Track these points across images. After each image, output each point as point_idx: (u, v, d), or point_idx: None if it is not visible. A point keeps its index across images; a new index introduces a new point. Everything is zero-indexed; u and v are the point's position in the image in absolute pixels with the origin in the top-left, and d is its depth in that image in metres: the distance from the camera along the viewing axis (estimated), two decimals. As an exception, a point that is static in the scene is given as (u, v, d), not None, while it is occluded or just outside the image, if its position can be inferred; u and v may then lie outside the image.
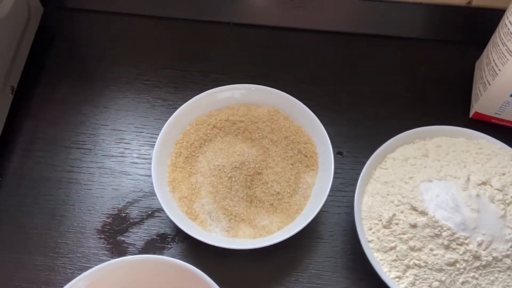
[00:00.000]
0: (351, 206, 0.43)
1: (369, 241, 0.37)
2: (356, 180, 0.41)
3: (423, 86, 0.50)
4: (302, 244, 0.42)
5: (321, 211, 0.44)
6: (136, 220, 0.43)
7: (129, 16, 0.54)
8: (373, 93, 0.50)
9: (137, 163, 0.46)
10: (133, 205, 0.44)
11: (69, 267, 0.41)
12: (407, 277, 0.36)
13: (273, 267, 0.41)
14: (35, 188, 0.44)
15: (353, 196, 0.40)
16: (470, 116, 0.48)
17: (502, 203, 0.36)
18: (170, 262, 0.36)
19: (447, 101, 0.49)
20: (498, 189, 0.36)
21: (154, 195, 0.40)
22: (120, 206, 0.44)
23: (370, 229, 0.38)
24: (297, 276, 0.41)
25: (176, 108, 0.44)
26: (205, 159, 0.43)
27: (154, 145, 0.42)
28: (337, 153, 0.46)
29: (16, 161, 0.46)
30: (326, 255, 0.42)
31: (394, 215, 0.37)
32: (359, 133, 0.47)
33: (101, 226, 0.43)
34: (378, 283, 0.37)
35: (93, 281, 0.36)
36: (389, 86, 0.50)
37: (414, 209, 0.36)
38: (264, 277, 0.41)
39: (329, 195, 0.40)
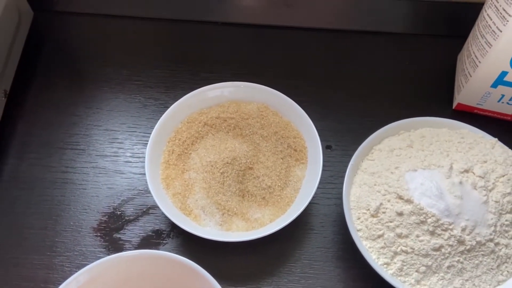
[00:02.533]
0: (340, 198, 0.44)
1: (358, 230, 0.39)
2: (345, 172, 0.42)
3: (408, 80, 0.52)
4: (294, 236, 0.44)
5: (311, 203, 0.45)
6: (131, 217, 0.44)
7: (118, 18, 0.55)
8: (359, 88, 0.51)
9: (130, 162, 0.47)
10: (128, 203, 0.45)
11: (67, 265, 0.42)
12: (395, 263, 0.37)
13: (266, 259, 0.42)
14: (30, 190, 0.45)
15: (342, 188, 0.41)
16: (454, 107, 0.49)
17: (484, 190, 0.37)
18: (166, 257, 0.37)
19: (431, 93, 0.51)
20: (480, 176, 0.38)
21: (149, 192, 0.41)
22: (115, 205, 0.45)
23: (359, 218, 0.39)
24: (290, 267, 0.42)
25: (167, 107, 0.45)
26: (197, 156, 0.44)
27: (147, 144, 0.43)
28: (326, 147, 0.47)
29: (11, 163, 0.46)
30: (317, 245, 0.43)
31: (381, 204, 0.38)
32: (346, 126, 0.49)
33: (97, 224, 0.44)
34: (368, 270, 0.39)
35: (90, 277, 0.37)
36: (375, 80, 0.52)
37: (400, 197, 0.38)
38: (258, 268, 0.42)
39: (319, 187, 0.41)
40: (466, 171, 0.38)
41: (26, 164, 0.46)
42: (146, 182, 0.41)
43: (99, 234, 0.43)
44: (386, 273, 0.37)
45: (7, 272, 0.41)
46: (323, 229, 0.44)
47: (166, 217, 0.43)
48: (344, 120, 0.49)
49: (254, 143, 0.45)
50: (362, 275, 0.41)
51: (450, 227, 0.36)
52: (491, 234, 0.37)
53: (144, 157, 0.42)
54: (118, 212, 0.44)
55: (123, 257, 0.37)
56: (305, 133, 0.44)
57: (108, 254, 0.42)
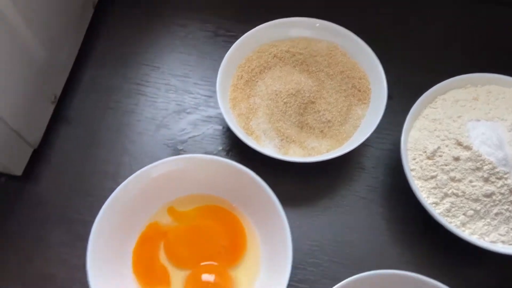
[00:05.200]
0: (395, 144, 0.45)
1: (412, 170, 0.40)
2: (403, 121, 0.43)
3: (484, 36, 0.51)
4: (344, 172, 0.45)
5: (365, 145, 0.47)
6: (195, 133, 0.47)
7: None
8: (432, 39, 0.51)
9: (199, 84, 0.50)
10: (193, 119, 0.48)
11: (135, 164, 0.46)
12: (443, 204, 0.39)
13: (316, 189, 0.45)
14: (107, 95, 0.49)
15: (398, 136, 0.42)
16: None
17: (545, 148, 0.38)
18: (234, 166, 0.40)
19: (504, 51, 0.50)
20: (543, 135, 0.38)
21: (212, 113, 0.44)
22: (182, 119, 0.48)
23: (414, 159, 0.40)
24: (337, 199, 0.44)
25: (237, 39, 0.46)
26: (263, 84, 0.46)
27: (216, 69, 0.45)
28: (388, 96, 0.48)
29: (90, 73, 0.50)
30: (366, 184, 0.45)
31: (439, 147, 0.39)
32: (412, 77, 0.49)
33: (164, 136, 0.47)
34: (412, 212, 0.40)
35: (160, 173, 0.40)
36: (448, 33, 0.51)
37: (459, 143, 0.39)
38: (308, 196, 0.44)
39: (375, 132, 0.42)
40: (530, 128, 0.39)
41: (105, 73, 0.50)
42: (211, 103, 0.44)
43: (165, 143, 0.47)
44: (434, 211, 0.38)
45: (80, 164, 0.46)
46: (374, 170, 0.46)
47: (226, 136, 0.46)
48: (410, 71, 0.49)
49: (319, 79, 0.46)
50: (406, 216, 0.43)
51: (505, 176, 0.37)
52: (544, 191, 0.37)
53: (212, 82, 0.45)
54: (184, 127, 0.48)
55: (196, 158, 0.41)
56: (371, 75, 0.45)
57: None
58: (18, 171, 0.42)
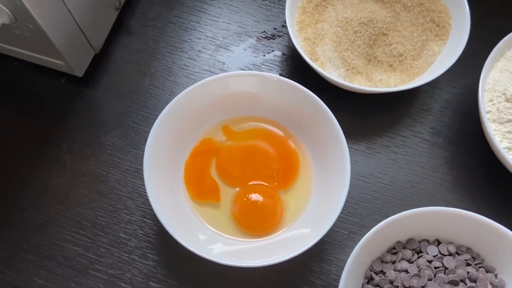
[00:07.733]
0: (467, 88, 0.42)
1: (487, 112, 0.37)
2: (480, 68, 0.40)
3: None
4: (409, 112, 0.43)
5: (435, 87, 0.44)
6: (255, 58, 0.46)
7: None
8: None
9: (262, 7, 0.48)
10: (254, 43, 0.46)
11: (191, 82, 0.45)
12: (518, 150, 0.36)
13: (378, 126, 0.43)
14: (170, 10, 0.48)
15: (472, 80, 0.39)
16: None
17: None
18: (295, 86, 0.38)
19: None
20: None
21: (275, 38, 0.42)
22: (242, 42, 0.46)
23: (491, 100, 0.38)
24: (399, 138, 0.42)
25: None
26: (334, 10, 0.43)
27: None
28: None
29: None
30: (430, 126, 0.43)
31: (522, 90, 0.36)
32: (496, 17, 0.45)
33: (223, 56, 0.46)
34: (476, 160, 0.38)
35: (218, 88, 0.39)
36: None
37: (546, 87, 0.36)
38: (368, 130, 0.43)
39: (447, 73, 0.39)
40: None
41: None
42: (273, 28, 0.43)
43: (223, 64, 0.46)
44: (507, 156, 0.36)
45: (141, 77, 0.45)
46: (441, 114, 0.43)
47: (287, 63, 0.44)
48: (494, 10, 0.45)
49: (394, 11, 0.43)
50: (471, 162, 0.41)
51: None
52: None
53: (276, 5, 0.43)
54: (243, 49, 0.46)
55: (259, 76, 0.39)
56: (453, 10, 0.42)
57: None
58: (80, 72, 0.42)
